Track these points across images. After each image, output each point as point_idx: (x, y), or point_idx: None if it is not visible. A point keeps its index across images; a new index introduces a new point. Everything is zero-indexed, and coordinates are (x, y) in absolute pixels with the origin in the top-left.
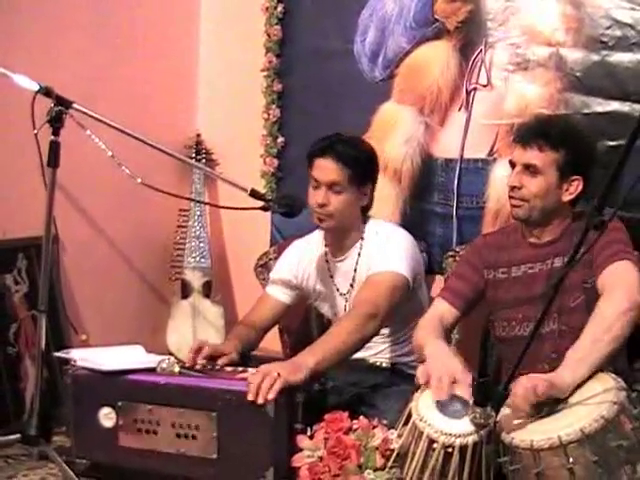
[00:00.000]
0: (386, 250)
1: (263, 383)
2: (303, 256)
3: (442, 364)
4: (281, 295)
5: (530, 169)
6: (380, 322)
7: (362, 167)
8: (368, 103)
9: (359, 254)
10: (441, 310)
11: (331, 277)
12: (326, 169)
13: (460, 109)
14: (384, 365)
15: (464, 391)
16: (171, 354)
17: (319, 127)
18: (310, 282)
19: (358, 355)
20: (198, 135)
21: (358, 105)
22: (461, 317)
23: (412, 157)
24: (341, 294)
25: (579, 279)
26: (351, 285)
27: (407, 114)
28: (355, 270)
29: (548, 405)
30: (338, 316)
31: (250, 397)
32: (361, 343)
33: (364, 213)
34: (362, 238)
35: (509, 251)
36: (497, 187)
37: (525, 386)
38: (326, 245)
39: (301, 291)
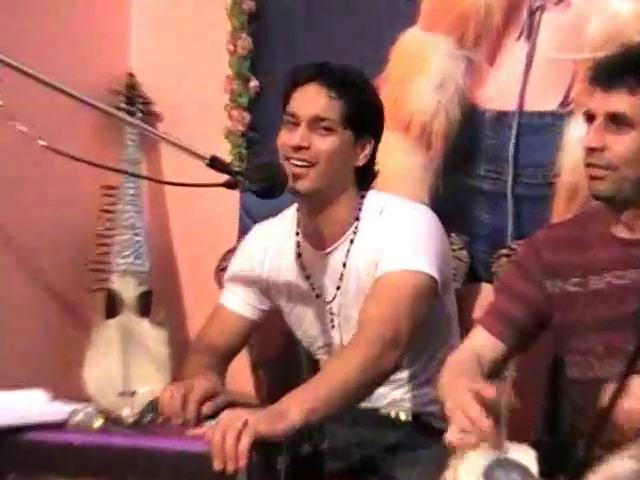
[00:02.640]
0: (402, 239)
1: (227, 439)
2: (270, 245)
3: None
4: (243, 307)
5: (616, 121)
6: (403, 351)
7: (363, 105)
8: (383, 29)
9: (351, 241)
10: (479, 344)
11: (307, 278)
12: (310, 98)
13: (519, 38)
14: (403, 417)
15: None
16: (90, 400)
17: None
18: (281, 285)
19: (366, 403)
20: (130, 75)
21: (368, 32)
22: (512, 353)
23: (447, 109)
24: (324, 301)
25: None
26: (338, 288)
27: (440, 46)
28: (344, 265)
29: None
30: (326, 339)
31: (216, 464)
32: (374, 385)
33: (362, 184)
34: (357, 218)
35: (586, 251)
36: (574, 153)
37: None
38: (297, 233)
39: (272, 299)
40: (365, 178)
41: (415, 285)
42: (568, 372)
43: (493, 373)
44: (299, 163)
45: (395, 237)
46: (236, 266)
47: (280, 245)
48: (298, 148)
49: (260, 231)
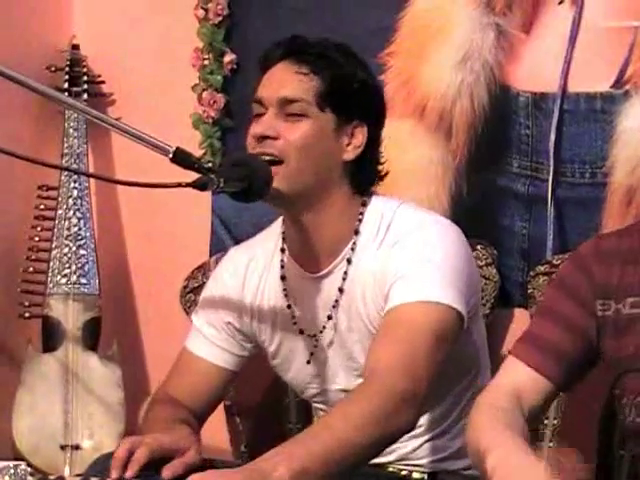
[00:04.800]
0: (419, 262)
1: None
2: (252, 268)
3: None
4: (217, 355)
5: None
6: (420, 406)
7: (346, 80)
8: None
9: (349, 261)
10: (518, 381)
11: (289, 307)
12: (276, 79)
13: (562, 1)
14: (416, 476)
15: None
16: (20, 457)
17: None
18: (264, 317)
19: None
20: (74, 47)
21: None
22: (556, 392)
23: (472, 91)
24: (306, 337)
25: None
26: (329, 318)
27: (464, 12)
28: (341, 290)
29: None
30: (320, 385)
31: None
32: (382, 445)
33: (359, 186)
34: (356, 232)
35: None
36: (631, 146)
37: None
38: (283, 249)
39: (255, 342)
40: (362, 177)
41: (436, 322)
42: (626, 417)
43: (535, 419)
44: (265, 159)
45: (410, 260)
46: (207, 300)
47: (265, 267)
48: (262, 138)
49: (237, 254)
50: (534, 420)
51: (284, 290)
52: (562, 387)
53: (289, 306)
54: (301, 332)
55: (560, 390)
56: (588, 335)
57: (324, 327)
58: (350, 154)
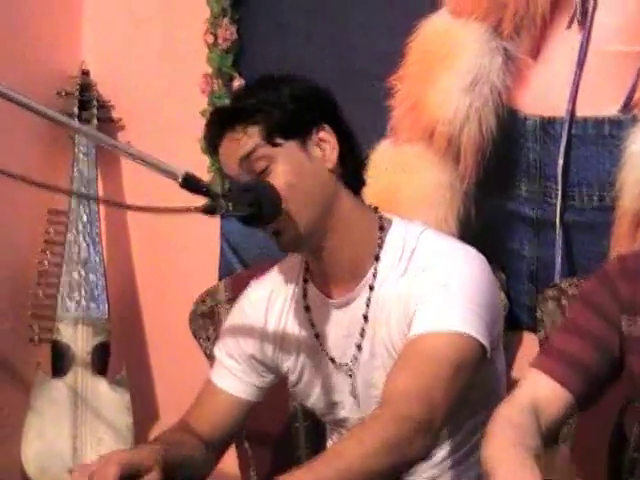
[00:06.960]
0: (444, 292)
1: None
2: (273, 304)
3: None
4: (240, 388)
5: None
6: (435, 437)
7: (275, 110)
8: (400, 16)
9: (371, 287)
10: (540, 394)
11: (316, 336)
12: (230, 150)
13: (570, 25)
14: None
15: None
16: None
17: (306, 61)
18: (287, 346)
19: None
20: (84, 73)
21: (381, 21)
22: (576, 407)
23: (481, 115)
24: (338, 365)
25: None
26: (358, 347)
27: (472, 36)
28: (365, 318)
29: None
30: (341, 412)
31: None
32: (394, 473)
33: (356, 183)
34: (377, 258)
35: None
36: (639, 169)
37: None
38: (306, 279)
39: (276, 373)
40: (352, 173)
41: (458, 352)
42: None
43: (553, 433)
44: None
45: (435, 288)
46: (229, 332)
47: (286, 296)
48: None
49: (258, 285)
50: (551, 435)
51: (309, 320)
52: (583, 403)
53: (317, 336)
54: (332, 361)
55: (580, 405)
56: (612, 350)
57: (355, 357)
58: (331, 160)
